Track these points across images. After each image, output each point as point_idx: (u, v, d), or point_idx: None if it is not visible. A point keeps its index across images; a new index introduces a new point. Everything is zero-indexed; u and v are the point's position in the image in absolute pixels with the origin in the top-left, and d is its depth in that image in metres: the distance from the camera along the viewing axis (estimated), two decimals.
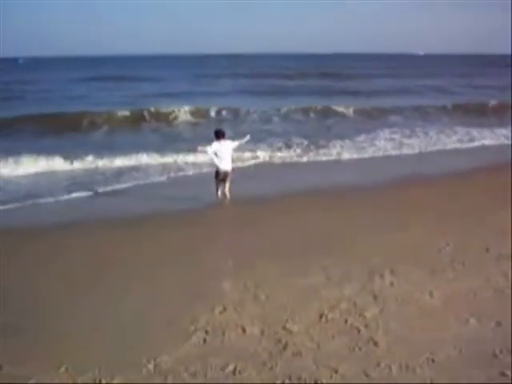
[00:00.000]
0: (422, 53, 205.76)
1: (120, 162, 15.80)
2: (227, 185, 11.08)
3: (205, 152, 11.16)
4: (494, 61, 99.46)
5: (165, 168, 15.28)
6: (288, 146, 18.53)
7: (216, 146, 10.86)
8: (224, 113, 27.02)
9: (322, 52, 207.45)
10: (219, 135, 10.94)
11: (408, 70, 71.29)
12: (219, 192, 11.22)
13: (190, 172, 14.94)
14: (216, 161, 10.94)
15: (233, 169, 11.22)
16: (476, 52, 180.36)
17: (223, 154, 10.84)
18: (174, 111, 26.23)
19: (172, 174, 14.61)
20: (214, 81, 49.34)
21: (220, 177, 11.00)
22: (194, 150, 12.24)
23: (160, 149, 17.25)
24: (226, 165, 10.89)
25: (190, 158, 15.83)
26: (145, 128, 24.21)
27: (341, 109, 27.96)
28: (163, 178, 14.24)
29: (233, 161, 11.37)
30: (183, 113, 26.30)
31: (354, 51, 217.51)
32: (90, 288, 7.06)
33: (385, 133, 21.72)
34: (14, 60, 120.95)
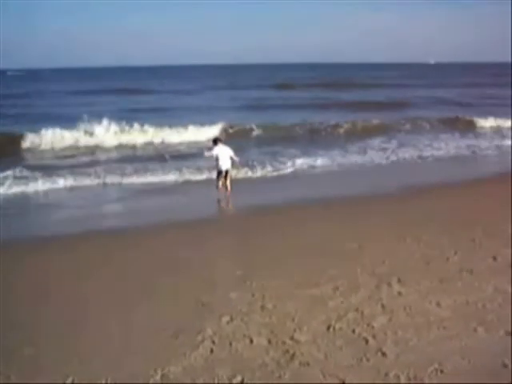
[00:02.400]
0: (432, 61, 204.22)
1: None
2: (228, 181, 12.92)
3: (211, 155, 13.05)
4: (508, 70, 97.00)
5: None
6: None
7: (217, 150, 12.89)
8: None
9: (332, 62, 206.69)
10: (216, 141, 13.17)
11: (417, 79, 70.17)
12: (221, 190, 12.87)
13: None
14: (217, 162, 12.89)
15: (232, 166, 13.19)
16: (489, 60, 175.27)
17: (223, 156, 12.82)
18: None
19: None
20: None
21: (222, 175, 12.85)
22: (201, 155, 13.96)
23: None
24: (226, 164, 12.83)
25: None
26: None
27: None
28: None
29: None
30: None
31: (366, 61, 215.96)
32: (95, 298, 7.08)
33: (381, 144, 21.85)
34: (3, 72, 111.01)
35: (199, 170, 16.01)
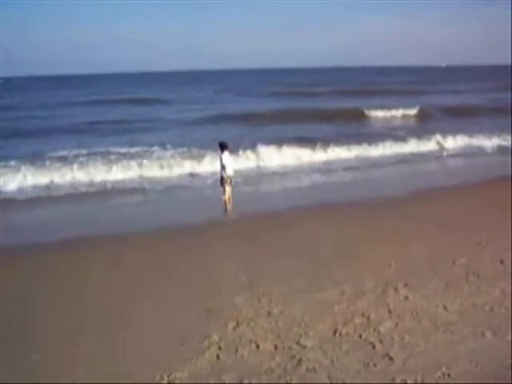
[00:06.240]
0: (443, 65, 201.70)
1: None
2: (230, 188, 12.81)
3: (228, 161, 12.96)
4: None
5: None
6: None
7: (223, 157, 12.87)
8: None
9: (345, 65, 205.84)
10: (223, 147, 12.91)
11: (429, 85, 66.22)
12: (225, 196, 12.72)
13: None
14: (221, 168, 12.88)
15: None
16: (502, 63, 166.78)
17: (226, 162, 12.84)
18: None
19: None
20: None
21: (225, 181, 12.74)
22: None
23: None
24: (229, 171, 12.84)
25: None
26: None
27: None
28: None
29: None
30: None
31: (378, 64, 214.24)
32: (101, 304, 7.10)
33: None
34: None
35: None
